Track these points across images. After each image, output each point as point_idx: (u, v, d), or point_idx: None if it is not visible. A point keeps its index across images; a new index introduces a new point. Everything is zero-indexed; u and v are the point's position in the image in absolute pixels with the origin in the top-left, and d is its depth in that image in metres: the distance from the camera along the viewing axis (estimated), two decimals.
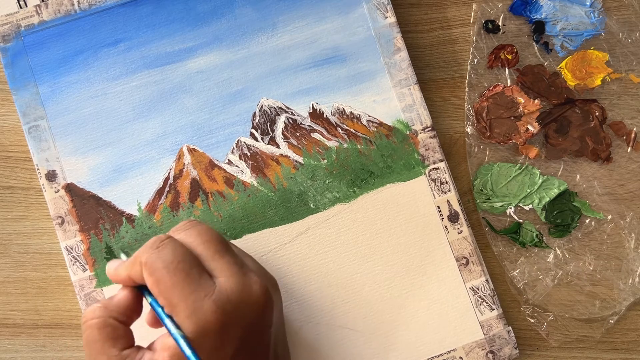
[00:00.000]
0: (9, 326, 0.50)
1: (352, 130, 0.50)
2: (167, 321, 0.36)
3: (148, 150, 0.50)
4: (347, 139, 0.50)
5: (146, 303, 0.39)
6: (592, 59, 0.52)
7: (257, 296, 0.37)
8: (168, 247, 0.37)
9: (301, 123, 0.51)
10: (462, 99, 0.53)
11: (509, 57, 0.53)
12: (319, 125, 0.51)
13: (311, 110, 0.51)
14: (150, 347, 0.38)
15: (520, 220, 0.51)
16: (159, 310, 0.37)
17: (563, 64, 0.52)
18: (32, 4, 0.50)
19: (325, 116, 0.51)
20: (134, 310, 0.39)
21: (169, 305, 0.36)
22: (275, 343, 0.39)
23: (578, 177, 0.52)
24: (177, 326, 0.35)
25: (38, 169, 0.49)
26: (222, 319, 0.35)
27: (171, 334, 0.35)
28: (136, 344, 0.39)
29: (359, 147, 0.50)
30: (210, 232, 0.39)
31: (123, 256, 0.46)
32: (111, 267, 0.40)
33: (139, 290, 0.39)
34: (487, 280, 0.49)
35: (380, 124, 0.50)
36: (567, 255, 0.51)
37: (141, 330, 0.40)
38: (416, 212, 0.49)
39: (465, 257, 0.49)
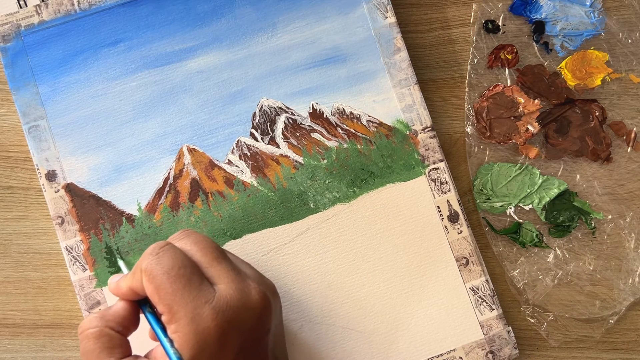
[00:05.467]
0: (9, 326, 0.50)
1: (352, 130, 0.50)
2: (165, 341, 0.36)
3: (148, 150, 0.50)
4: (347, 139, 0.50)
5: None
6: (592, 59, 0.52)
7: (256, 302, 0.37)
8: (168, 253, 0.37)
9: (301, 123, 0.51)
10: (462, 99, 0.53)
11: (509, 57, 0.53)
12: (319, 125, 0.51)
13: (311, 110, 0.51)
14: (148, 356, 0.38)
15: (520, 220, 0.51)
16: (157, 328, 0.37)
17: (563, 64, 0.52)
18: (32, 3, 0.50)
19: (325, 116, 0.51)
20: (131, 322, 0.39)
21: (169, 312, 0.36)
22: (273, 348, 0.39)
23: (578, 177, 0.52)
24: (172, 342, 0.36)
25: (38, 169, 0.49)
26: (222, 326, 0.36)
27: (168, 354, 0.36)
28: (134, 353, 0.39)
29: (358, 147, 0.50)
30: (205, 240, 0.39)
31: (122, 264, 0.47)
32: (112, 281, 0.40)
33: (137, 304, 0.39)
34: (487, 280, 0.49)
35: (380, 124, 0.50)
36: (567, 255, 0.51)
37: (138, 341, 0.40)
38: (416, 212, 0.49)
39: (465, 257, 0.49)
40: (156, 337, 0.39)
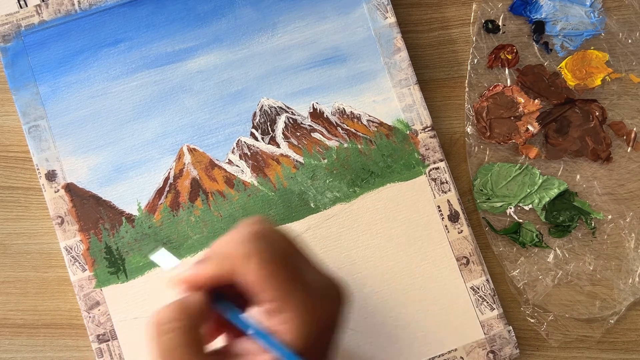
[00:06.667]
0: (9, 326, 0.50)
1: (352, 130, 0.50)
2: (270, 336, 0.33)
3: (148, 150, 0.50)
4: (348, 139, 0.50)
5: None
6: (592, 59, 0.52)
7: (341, 297, 0.36)
8: (276, 235, 0.34)
9: (301, 123, 0.51)
10: (462, 99, 0.53)
11: (509, 57, 0.53)
12: (319, 125, 0.51)
13: (311, 110, 0.51)
14: (228, 351, 0.35)
15: (520, 220, 0.51)
16: (244, 321, 0.35)
17: (563, 64, 0.52)
18: (32, 3, 0.50)
19: (325, 116, 0.51)
20: (207, 315, 0.36)
21: (281, 300, 0.33)
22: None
23: (578, 177, 0.52)
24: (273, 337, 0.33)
25: (38, 169, 0.49)
26: (323, 318, 0.34)
27: (274, 347, 0.33)
28: None
29: (359, 146, 0.50)
30: (286, 233, 0.37)
31: (167, 255, 0.41)
32: (187, 271, 0.35)
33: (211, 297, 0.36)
34: (487, 280, 0.49)
35: (381, 123, 0.50)
36: (567, 255, 0.51)
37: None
38: (416, 212, 0.49)
39: (465, 257, 0.49)
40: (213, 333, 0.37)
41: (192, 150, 0.50)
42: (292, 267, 0.34)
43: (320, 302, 0.34)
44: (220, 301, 0.36)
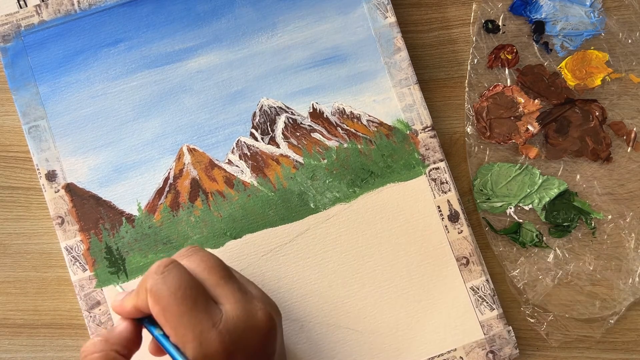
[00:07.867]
0: (9, 326, 0.50)
1: (352, 130, 0.50)
2: (176, 354, 0.35)
3: (148, 150, 0.50)
4: (347, 139, 0.50)
5: (147, 333, 0.39)
6: (592, 59, 0.52)
7: (263, 323, 0.37)
8: (173, 273, 0.36)
9: (301, 123, 0.51)
10: (462, 99, 0.53)
11: (509, 57, 0.53)
12: (319, 125, 0.51)
13: (311, 110, 0.51)
14: None
15: (520, 220, 0.51)
16: (165, 342, 0.36)
17: (563, 64, 0.52)
18: (32, 3, 0.50)
19: (325, 116, 0.51)
20: (135, 343, 0.38)
21: (175, 335, 0.35)
22: None
23: (578, 177, 0.52)
24: (184, 355, 0.35)
25: (38, 169, 0.49)
26: (229, 348, 0.35)
27: None
28: None
29: (359, 146, 0.50)
30: (213, 258, 0.38)
31: (119, 289, 0.46)
32: (117, 300, 0.39)
33: (140, 322, 0.39)
34: (487, 280, 0.49)
35: (381, 123, 0.50)
36: (567, 255, 0.51)
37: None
38: (416, 212, 0.49)
39: (465, 257, 0.49)
40: (156, 351, 0.39)
41: (191, 151, 0.50)
42: (190, 300, 0.35)
43: (231, 331, 0.35)
44: (154, 328, 0.38)
